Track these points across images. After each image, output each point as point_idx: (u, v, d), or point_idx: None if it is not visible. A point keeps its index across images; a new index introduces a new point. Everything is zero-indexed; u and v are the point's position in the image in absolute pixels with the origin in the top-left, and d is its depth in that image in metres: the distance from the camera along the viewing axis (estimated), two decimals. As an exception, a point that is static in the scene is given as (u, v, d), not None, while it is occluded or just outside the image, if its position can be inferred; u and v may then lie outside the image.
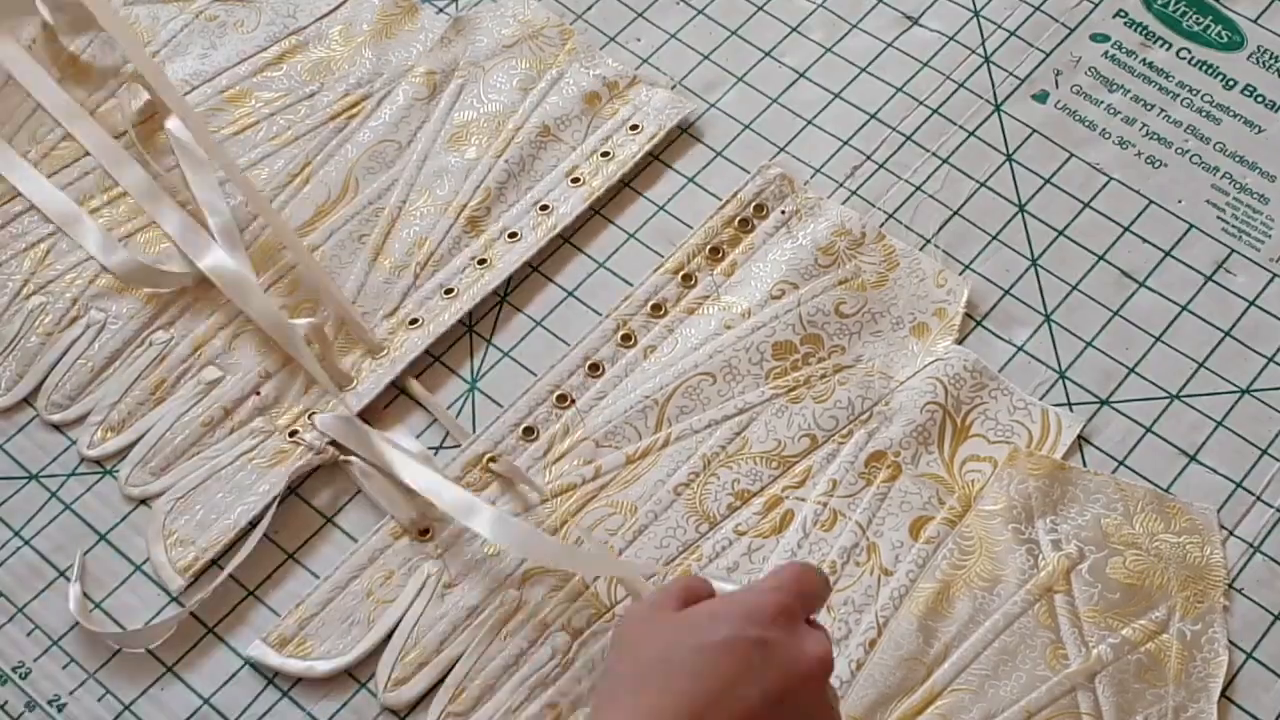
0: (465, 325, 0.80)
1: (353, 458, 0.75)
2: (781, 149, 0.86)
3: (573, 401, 0.77)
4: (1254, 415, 0.77)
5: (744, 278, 0.81)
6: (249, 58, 0.90)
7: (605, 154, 0.85)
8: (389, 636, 0.71)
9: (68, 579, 0.73)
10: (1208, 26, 0.90)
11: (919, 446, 0.75)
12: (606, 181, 0.84)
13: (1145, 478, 0.75)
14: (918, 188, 0.84)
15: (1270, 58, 0.89)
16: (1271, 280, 0.81)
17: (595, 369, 0.78)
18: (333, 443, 0.76)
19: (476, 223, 0.83)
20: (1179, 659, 0.69)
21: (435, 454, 0.76)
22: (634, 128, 0.86)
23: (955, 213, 0.84)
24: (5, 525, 0.75)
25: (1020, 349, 0.79)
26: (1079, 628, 0.70)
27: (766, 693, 0.53)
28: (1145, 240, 0.83)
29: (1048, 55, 0.89)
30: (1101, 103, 0.87)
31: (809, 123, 0.87)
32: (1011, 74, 0.89)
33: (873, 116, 0.87)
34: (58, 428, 0.78)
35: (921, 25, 0.91)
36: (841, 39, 0.91)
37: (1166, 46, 0.89)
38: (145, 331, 0.80)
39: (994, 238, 0.83)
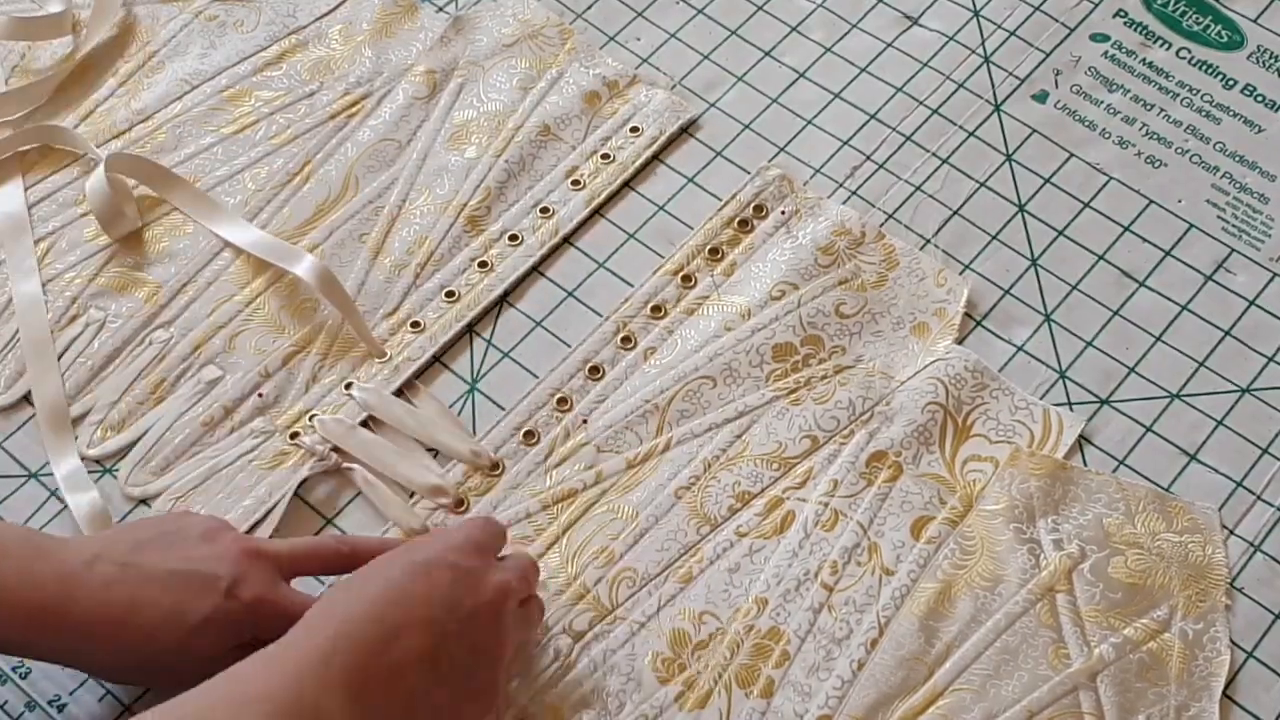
0: (465, 325, 0.80)
1: (355, 465, 0.75)
2: (781, 149, 0.86)
3: (573, 405, 0.77)
4: (1254, 414, 0.77)
5: (744, 278, 0.81)
6: (249, 57, 0.90)
7: (605, 156, 0.85)
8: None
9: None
10: (1208, 26, 0.90)
11: (920, 446, 0.75)
12: (607, 184, 0.84)
13: (1146, 477, 0.75)
14: (918, 188, 0.84)
15: (1270, 57, 0.89)
16: (1271, 280, 0.81)
17: (595, 372, 0.78)
18: (334, 448, 0.75)
19: (476, 222, 0.83)
20: (1181, 658, 0.69)
21: (434, 456, 0.76)
22: (634, 130, 0.86)
23: (955, 213, 0.84)
24: (5, 525, 0.75)
25: (1020, 349, 0.79)
26: (1081, 627, 0.70)
27: (452, 608, 0.60)
28: (1145, 240, 0.83)
29: (1048, 55, 0.90)
30: (1101, 103, 0.88)
31: (809, 123, 0.87)
32: (1011, 74, 0.89)
33: (873, 116, 0.87)
34: (57, 428, 0.78)
35: (921, 25, 0.91)
36: (841, 39, 0.91)
37: (1166, 46, 0.89)
38: (145, 330, 0.80)
39: (994, 238, 0.83)
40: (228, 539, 0.66)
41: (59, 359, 0.79)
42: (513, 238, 0.82)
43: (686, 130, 0.87)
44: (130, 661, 0.64)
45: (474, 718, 0.62)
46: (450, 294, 0.81)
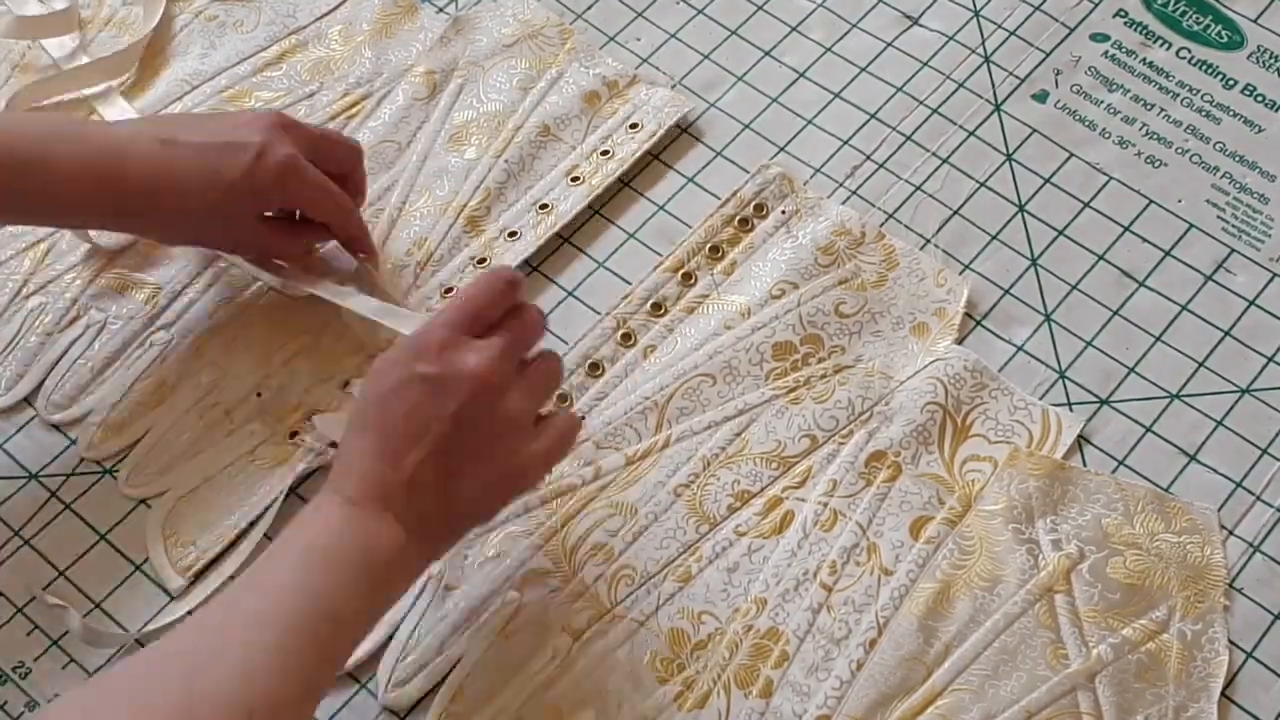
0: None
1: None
2: (781, 149, 0.86)
3: (573, 402, 0.77)
4: (1254, 415, 0.77)
5: (744, 277, 0.81)
6: (249, 57, 0.90)
7: (605, 153, 0.85)
8: (389, 638, 0.71)
9: (68, 579, 0.73)
10: (1208, 26, 0.90)
11: (919, 446, 0.75)
12: (606, 180, 0.84)
13: (1145, 477, 0.75)
14: (918, 187, 0.84)
15: (1270, 57, 0.89)
16: (1271, 280, 0.81)
17: (595, 369, 0.78)
18: (333, 445, 0.76)
19: (476, 222, 0.83)
20: (1179, 659, 0.69)
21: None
22: (633, 126, 0.86)
23: (955, 212, 0.84)
24: (5, 525, 0.75)
25: (1020, 349, 0.79)
26: (1079, 628, 0.70)
27: (436, 415, 0.63)
28: (1145, 240, 0.83)
29: (1048, 55, 0.89)
30: (1101, 102, 0.87)
31: (809, 122, 0.87)
32: (1011, 74, 0.89)
33: (873, 116, 0.87)
34: (58, 428, 0.78)
35: (921, 25, 0.91)
36: (841, 38, 0.91)
37: (1166, 46, 0.89)
38: (145, 332, 0.80)
39: (994, 237, 0.83)
40: (259, 113, 0.74)
41: (59, 360, 0.79)
42: (511, 234, 0.82)
43: (686, 130, 0.87)
44: (176, 221, 0.75)
45: (511, 489, 0.67)
46: (449, 290, 0.81)
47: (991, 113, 0.87)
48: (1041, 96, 0.88)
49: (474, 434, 0.64)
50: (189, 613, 0.72)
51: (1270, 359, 0.79)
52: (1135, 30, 0.90)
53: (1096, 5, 0.91)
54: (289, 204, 0.76)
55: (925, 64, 0.89)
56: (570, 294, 0.81)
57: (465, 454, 0.64)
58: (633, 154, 0.85)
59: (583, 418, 0.76)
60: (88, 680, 0.60)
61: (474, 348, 0.65)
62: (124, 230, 0.79)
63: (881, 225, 0.83)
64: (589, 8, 0.92)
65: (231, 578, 0.72)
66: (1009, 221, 0.83)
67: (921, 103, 0.88)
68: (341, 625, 0.60)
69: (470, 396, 0.63)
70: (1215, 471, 0.75)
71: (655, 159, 0.86)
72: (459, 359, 0.64)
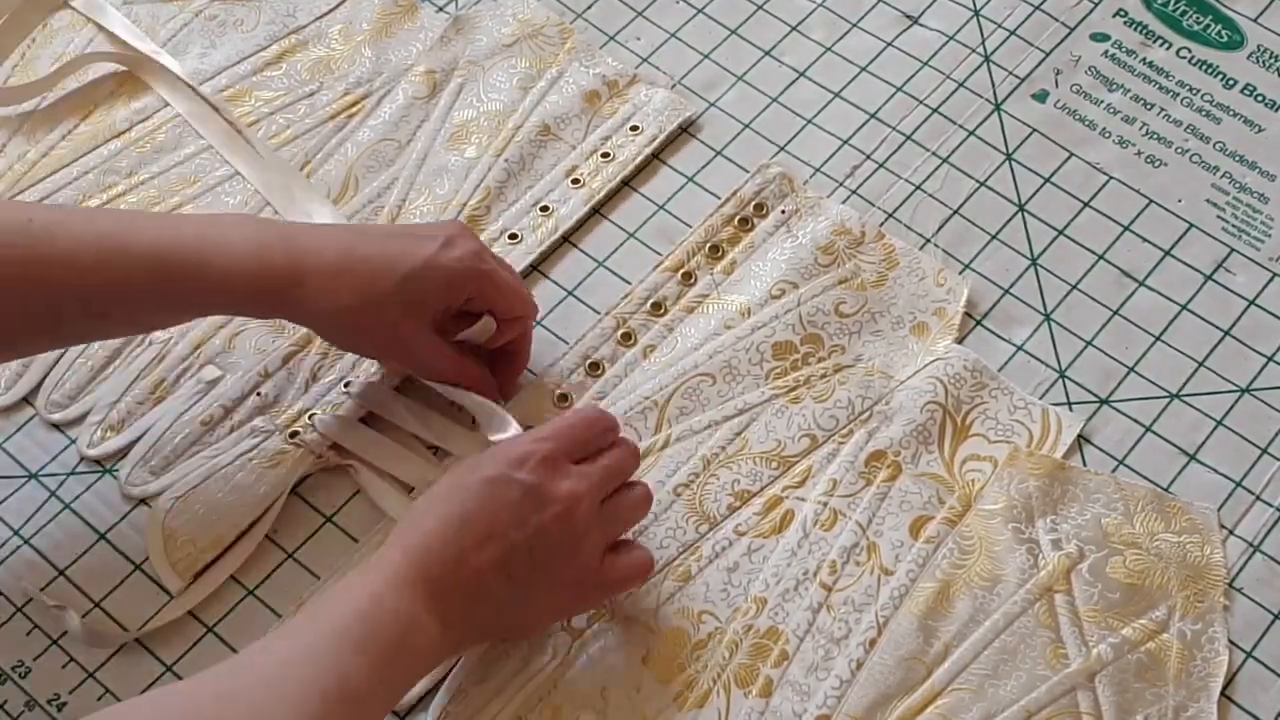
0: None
1: (353, 462, 0.75)
2: (781, 148, 0.86)
3: (573, 402, 0.77)
4: (1254, 414, 0.77)
5: (744, 276, 0.81)
6: (248, 57, 0.90)
7: (605, 155, 0.85)
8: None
9: (68, 578, 0.73)
10: (1208, 26, 0.90)
11: (919, 446, 0.75)
12: (607, 184, 0.84)
13: (1145, 477, 0.75)
14: (918, 187, 0.84)
15: (1270, 57, 0.89)
16: (1271, 280, 0.81)
17: (595, 368, 0.78)
18: (334, 445, 0.76)
19: (476, 222, 0.83)
20: (1179, 658, 0.69)
21: (434, 452, 0.76)
22: (634, 129, 0.86)
23: (955, 212, 0.84)
24: (5, 524, 0.75)
25: (1020, 348, 0.79)
26: (1079, 627, 0.70)
27: (519, 523, 0.64)
28: (1145, 240, 0.83)
29: (1048, 55, 0.89)
30: (1101, 102, 0.87)
31: (809, 122, 0.87)
32: (1011, 73, 0.89)
33: (872, 116, 0.87)
34: (58, 427, 0.78)
35: (921, 25, 0.91)
36: (841, 38, 0.91)
37: (1166, 46, 0.89)
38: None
39: (994, 237, 0.83)
40: (446, 222, 0.74)
41: (59, 360, 0.79)
42: (512, 236, 0.82)
43: (686, 130, 0.87)
44: (347, 311, 0.69)
45: (570, 608, 0.68)
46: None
47: (991, 112, 0.87)
48: (1041, 96, 0.88)
49: (547, 553, 0.64)
50: (190, 614, 0.72)
51: (1270, 359, 0.79)
52: (1135, 30, 0.90)
53: (1096, 5, 0.91)
54: (475, 297, 0.71)
55: (925, 64, 0.89)
56: (570, 293, 0.81)
57: (534, 568, 0.64)
58: (633, 157, 0.85)
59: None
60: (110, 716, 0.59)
61: (573, 472, 0.66)
62: (295, 316, 0.72)
63: (881, 225, 0.83)
64: (589, 7, 0.92)
65: (232, 577, 0.72)
66: (1009, 221, 0.83)
67: (921, 102, 0.88)
68: (364, 708, 0.59)
69: (557, 516, 0.64)
70: (1215, 471, 0.75)
71: (655, 158, 0.86)
72: (558, 477, 0.65)
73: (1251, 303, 0.81)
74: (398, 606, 0.61)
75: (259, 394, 0.78)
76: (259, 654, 0.60)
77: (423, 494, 0.66)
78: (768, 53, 0.90)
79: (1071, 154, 0.86)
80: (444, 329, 0.72)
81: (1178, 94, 0.88)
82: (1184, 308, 0.80)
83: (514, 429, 0.71)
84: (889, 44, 0.90)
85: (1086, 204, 0.84)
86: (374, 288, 0.69)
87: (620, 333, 0.79)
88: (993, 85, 0.88)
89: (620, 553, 0.68)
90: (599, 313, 0.80)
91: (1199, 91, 0.88)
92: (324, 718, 0.57)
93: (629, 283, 0.81)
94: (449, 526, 0.63)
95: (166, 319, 0.72)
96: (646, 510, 0.70)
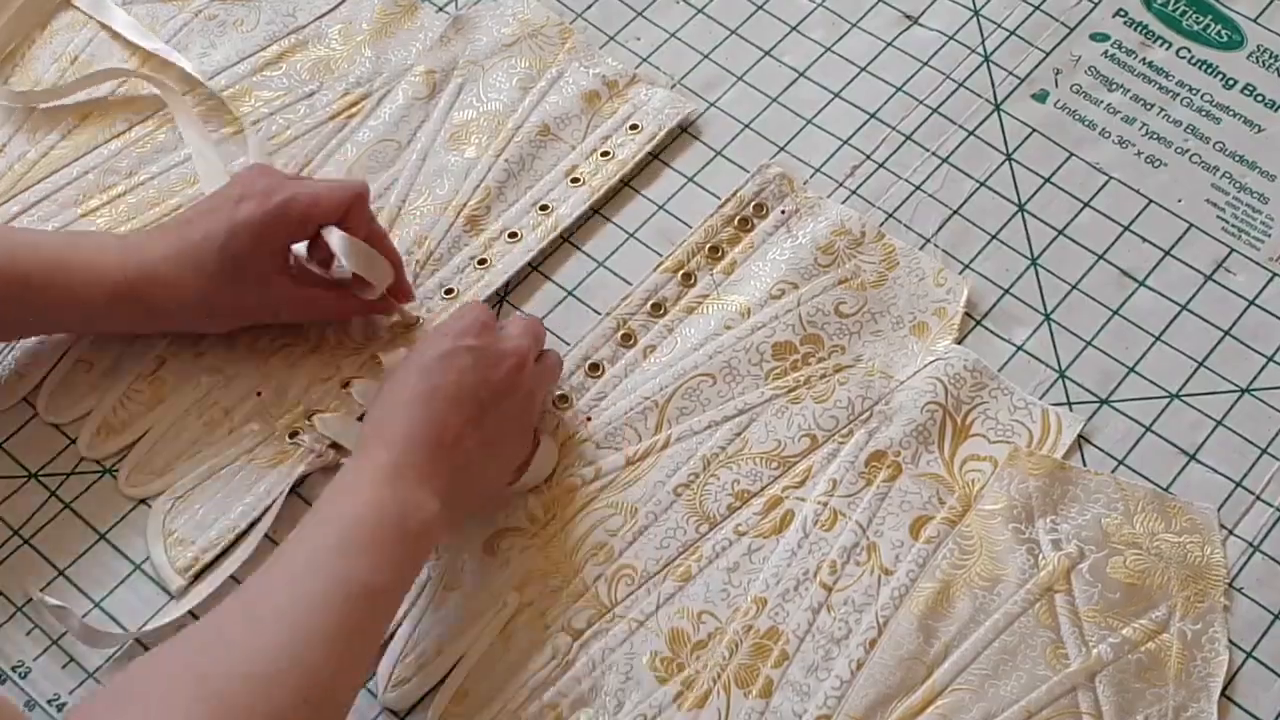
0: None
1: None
2: (781, 148, 0.86)
3: (573, 402, 0.77)
4: (1253, 414, 0.77)
5: (744, 276, 0.81)
6: (248, 57, 0.90)
7: (605, 154, 0.85)
8: (390, 638, 0.70)
9: (68, 579, 0.73)
10: (1208, 26, 0.90)
11: (919, 446, 0.75)
12: (606, 181, 0.84)
13: (1145, 477, 0.75)
14: (917, 187, 0.84)
15: (1270, 57, 0.89)
16: (1271, 280, 0.81)
17: (595, 369, 0.78)
18: (333, 445, 0.76)
19: (476, 222, 0.83)
20: (1179, 658, 0.69)
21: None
22: (634, 127, 0.86)
23: (955, 212, 0.84)
24: (5, 524, 0.75)
25: (1020, 348, 0.79)
26: (1079, 627, 0.70)
27: (481, 383, 0.68)
28: (1145, 240, 0.83)
29: (1048, 55, 0.89)
30: (1101, 102, 0.87)
31: (809, 122, 0.87)
32: (1011, 73, 0.89)
33: (872, 116, 0.87)
34: (58, 427, 0.78)
35: (921, 25, 0.91)
36: (841, 38, 0.91)
37: (1166, 46, 0.89)
38: (145, 331, 0.80)
39: (994, 237, 0.83)
40: (240, 174, 0.76)
41: (59, 360, 0.79)
42: (512, 235, 0.82)
43: (686, 130, 0.87)
44: (192, 293, 0.73)
45: (516, 459, 0.72)
46: (449, 291, 0.81)
47: (991, 112, 0.87)
48: (1041, 96, 0.88)
49: (510, 406, 0.69)
50: (190, 614, 0.72)
51: (1270, 359, 0.79)
52: (1135, 30, 0.90)
53: (1096, 5, 0.91)
54: (294, 230, 0.74)
55: (925, 64, 0.89)
56: (570, 294, 0.81)
57: (501, 427, 0.69)
58: (633, 156, 0.85)
59: (588, 418, 0.76)
60: (135, 661, 0.61)
61: (508, 332, 0.72)
62: (148, 324, 0.77)
63: (881, 225, 0.83)
64: (589, 7, 0.92)
65: (233, 578, 0.72)
66: (1009, 221, 0.83)
67: (921, 102, 0.88)
68: (382, 600, 0.63)
69: (511, 369, 0.69)
70: (1215, 471, 0.75)
71: (655, 159, 0.86)
72: (499, 337, 0.71)
73: (1251, 303, 0.81)
74: (395, 496, 0.64)
75: (259, 394, 0.78)
76: (273, 578, 0.61)
77: (372, 400, 0.70)
78: (768, 53, 0.90)
79: (1071, 154, 0.86)
80: (308, 271, 0.77)
81: (1178, 94, 0.88)
82: (1184, 308, 0.80)
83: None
84: (889, 44, 0.90)
85: (1086, 204, 0.84)
86: (203, 271, 0.73)
87: (620, 333, 0.79)
88: (993, 85, 0.88)
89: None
90: (599, 313, 0.80)
91: (1199, 91, 0.88)
92: (350, 617, 0.60)
93: (629, 283, 0.81)
94: (422, 407, 0.66)
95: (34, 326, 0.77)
96: (560, 371, 0.76)
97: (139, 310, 0.74)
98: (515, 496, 0.74)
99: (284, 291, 0.75)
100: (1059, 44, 0.90)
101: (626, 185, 0.85)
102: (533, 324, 0.74)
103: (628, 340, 0.79)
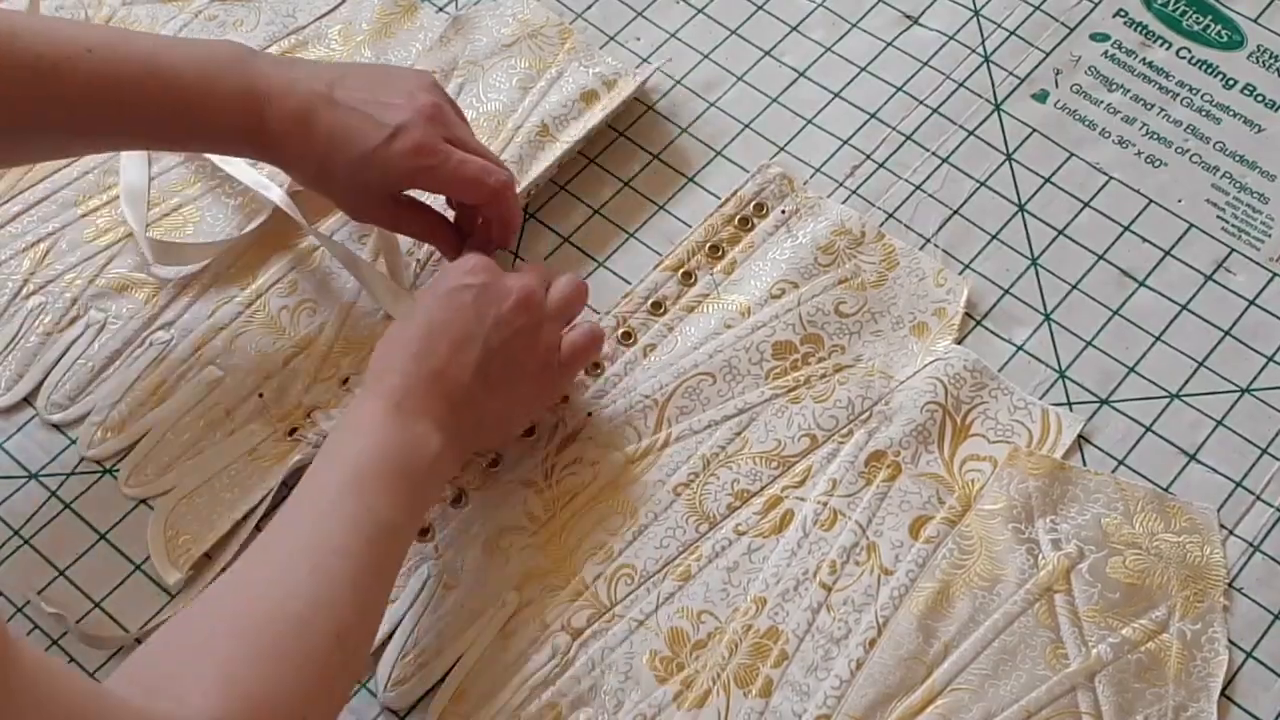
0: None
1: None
2: (781, 148, 0.86)
3: (574, 400, 0.77)
4: (1254, 414, 0.77)
5: (744, 276, 0.81)
6: (249, 57, 0.90)
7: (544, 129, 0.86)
8: (389, 637, 0.71)
9: (68, 579, 0.73)
10: (1208, 26, 0.90)
11: (919, 446, 0.75)
12: (584, 127, 0.85)
13: (1145, 477, 0.75)
14: (918, 187, 0.84)
15: (1270, 57, 0.89)
16: (1271, 280, 0.81)
17: (595, 367, 0.78)
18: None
19: (476, 222, 0.83)
20: (1179, 658, 0.69)
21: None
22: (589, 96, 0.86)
23: (955, 212, 0.84)
24: (5, 524, 0.75)
25: (1020, 348, 0.79)
26: (1079, 627, 0.70)
27: (480, 318, 0.68)
28: (1145, 240, 0.83)
29: (1048, 55, 0.89)
30: (1101, 102, 0.87)
31: (809, 122, 0.87)
32: (1011, 73, 0.89)
33: (873, 116, 0.87)
34: (58, 427, 0.78)
35: (921, 25, 0.91)
36: (841, 38, 0.91)
37: (1166, 46, 0.89)
38: (145, 331, 0.80)
39: (994, 237, 0.83)
40: (417, 84, 0.74)
41: (59, 360, 0.79)
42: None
43: (686, 130, 0.87)
44: (310, 172, 0.74)
45: (533, 403, 0.73)
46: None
47: (991, 113, 0.87)
48: (1041, 96, 0.88)
49: (514, 344, 0.69)
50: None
51: (1270, 359, 0.79)
52: (1135, 30, 0.90)
53: (1096, 5, 0.91)
54: (420, 185, 0.75)
55: (925, 64, 0.89)
56: (570, 294, 0.81)
57: (505, 364, 0.69)
58: (602, 111, 0.85)
59: (589, 415, 0.76)
60: (174, 616, 0.63)
61: (513, 273, 0.72)
62: (264, 160, 0.76)
63: (881, 225, 0.83)
64: (589, 7, 0.92)
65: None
66: (1009, 221, 0.83)
67: (921, 102, 0.88)
68: (397, 537, 0.64)
69: (515, 304, 0.69)
70: (1215, 471, 0.75)
71: (655, 159, 0.86)
72: (503, 276, 0.70)
73: (1251, 303, 0.81)
74: (399, 434, 0.65)
75: (260, 395, 0.78)
76: (288, 529, 0.62)
77: (385, 337, 0.69)
78: (768, 53, 0.90)
79: (1071, 154, 0.86)
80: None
81: (1178, 94, 0.88)
82: (1184, 308, 0.80)
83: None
84: (889, 44, 0.90)
85: (1086, 204, 0.84)
86: (327, 163, 0.72)
87: (620, 332, 0.79)
88: (993, 85, 0.88)
89: (571, 334, 0.74)
90: (599, 312, 0.80)
91: (1199, 91, 0.88)
92: (370, 555, 0.61)
93: (629, 282, 0.81)
94: (420, 343, 0.67)
95: (136, 136, 0.75)
96: (585, 297, 0.75)
97: (257, 153, 0.74)
98: (514, 493, 0.74)
99: (378, 210, 0.75)
100: (1059, 44, 0.90)
101: (627, 185, 0.85)
102: (539, 268, 0.74)
103: (628, 339, 0.79)
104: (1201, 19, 0.90)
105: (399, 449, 0.64)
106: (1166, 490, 0.74)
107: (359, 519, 0.62)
